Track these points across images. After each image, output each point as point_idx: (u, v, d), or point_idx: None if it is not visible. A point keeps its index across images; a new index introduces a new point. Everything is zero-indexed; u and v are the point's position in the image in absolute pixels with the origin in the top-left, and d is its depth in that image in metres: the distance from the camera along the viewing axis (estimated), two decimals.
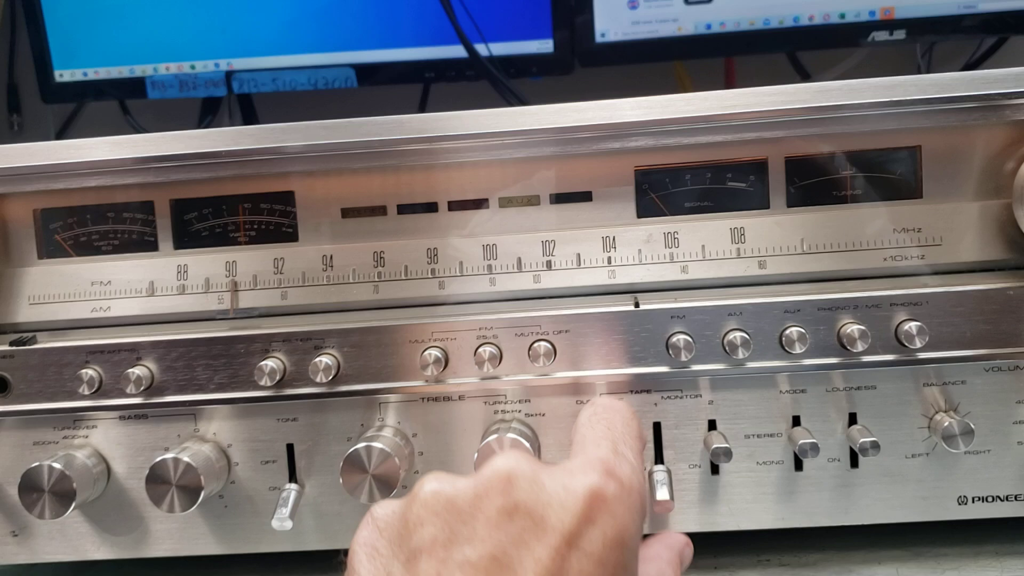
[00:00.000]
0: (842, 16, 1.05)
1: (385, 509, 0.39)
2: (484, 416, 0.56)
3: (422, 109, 1.20)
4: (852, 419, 0.55)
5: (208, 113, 1.25)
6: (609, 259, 0.57)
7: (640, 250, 0.57)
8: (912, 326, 0.53)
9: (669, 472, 0.54)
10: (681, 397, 0.56)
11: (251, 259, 0.59)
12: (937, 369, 0.54)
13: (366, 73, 1.12)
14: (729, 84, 1.19)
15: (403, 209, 0.58)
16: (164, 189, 0.59)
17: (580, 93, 1.22)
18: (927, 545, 0.57)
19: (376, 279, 0.58)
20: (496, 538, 0.35)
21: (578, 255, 0.57)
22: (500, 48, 1.10)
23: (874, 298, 0.54)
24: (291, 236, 0.59)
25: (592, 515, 0.36)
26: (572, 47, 1.09)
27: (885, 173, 0.56)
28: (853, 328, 0.53)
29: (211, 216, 0.59)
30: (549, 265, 0.57)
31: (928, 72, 1.16)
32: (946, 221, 0.56)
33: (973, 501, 0.55)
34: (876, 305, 0.54)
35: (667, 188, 0.58)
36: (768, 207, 0.57)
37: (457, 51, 1.07)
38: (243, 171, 0.57)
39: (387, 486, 0.53)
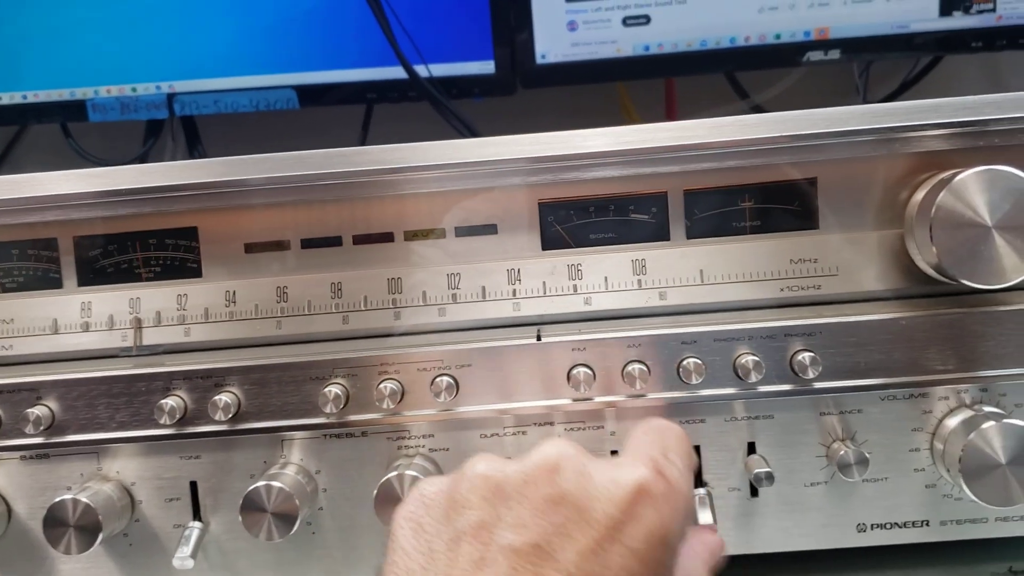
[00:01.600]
0: (778, 37, 1.07)
1: (433, 487, 0.40)
2: (388, 452, 0.56)
3: (365, 130, 1.21)
4: (751, 448, 0.56)
5: (152, 135, 1.25)
6: (514, 291, 0.58)
7: (545, 282, 0.58)
8: (805, 356, 0.54)
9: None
10: (584, 428, 0.56)
11: (155, 296, 0.58)
12: (833, 398, 0.55)
13: (308, 94, 1.12)
14: (670, 104, 1.20)
15: (307, 244, 0.58)
16: (68, 226, 0.59)
17: (523, 114, 1.23)
18: (829, 572, 0.58)
19: (279, 314, 0.58)
20: (540, 526, 0.36)
21: (483, 288, 0.58)
22: (442, 69, 1.10)
23: (768, 329, 0.54)
24: (195, 272, 0.59)
25: (637, 510, 0.37)
26: (513, 68, 1.10)
27: (782, 205, 0.57)
28: (748, 359, 0.54)
29: (116, 252, 0.59)
30: (454, 298, 0.58)
31: (865, 91, 1.17)
32: (842, 251, 0.56)
33: (873, 528, 0.56)
34: (770, 336, 0.54)
35: (571, 220, 0.58)
36: (668, 239, 0.58)
37: (399, 72, 1.07)
38: (143, 209, 0.57)
39: (287, 523, 0.53)
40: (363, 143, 1.21)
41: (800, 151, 0.55)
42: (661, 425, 0.44)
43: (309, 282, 0.58)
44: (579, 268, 0.57)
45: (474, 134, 1.07)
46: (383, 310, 0.57)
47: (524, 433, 0.56)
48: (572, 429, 0.56)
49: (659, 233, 0.58)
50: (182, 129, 1.25)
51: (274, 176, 0.55)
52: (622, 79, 1.16)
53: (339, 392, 0.55)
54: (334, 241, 0.58)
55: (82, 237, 0.59)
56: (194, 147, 1.25)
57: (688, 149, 0.55)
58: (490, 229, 0.58)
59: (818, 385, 0.54)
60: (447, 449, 0.56)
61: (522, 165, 0.56)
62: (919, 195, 0.53)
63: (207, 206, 0.57)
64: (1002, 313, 0.54)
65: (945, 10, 1.05)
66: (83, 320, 0.58)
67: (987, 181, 0.51)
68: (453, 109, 1.08)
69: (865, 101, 1.17)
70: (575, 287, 0.57)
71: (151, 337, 0.58)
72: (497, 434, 0.56)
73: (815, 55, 1.07)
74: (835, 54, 1.06)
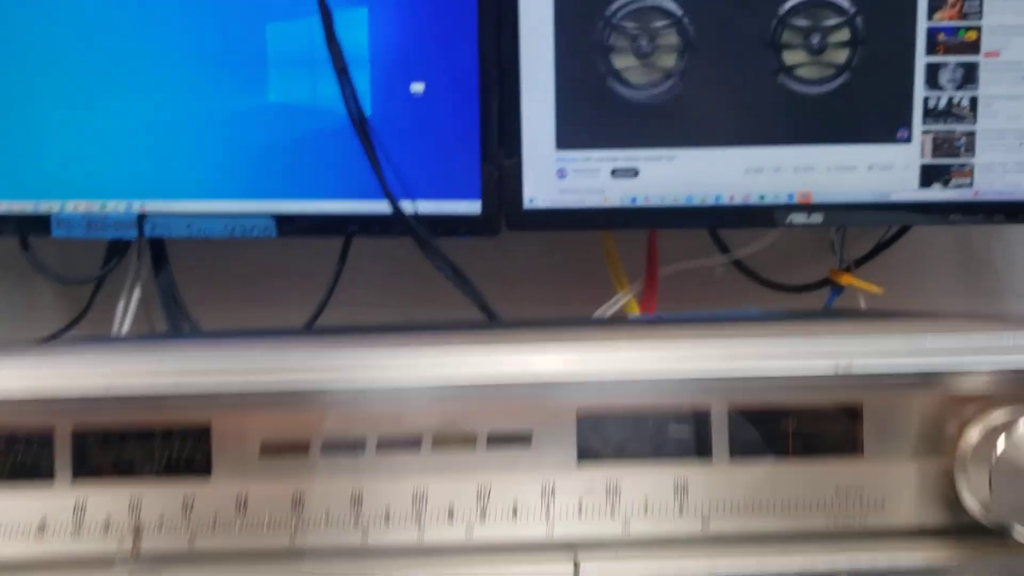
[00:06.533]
0: (762, 198, 1.08)
1: None
2: None
3: (342, 261, 1.17)
4: None
5: (116, 253, 1.19)
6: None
7: (581, 499, 0.55)
8: None
9: None
10: None
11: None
12: None
13: (287, 224, 1.08)
14: (651, 254, 1.20)
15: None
16: None
17: (506, 254, 1.21)
18: None
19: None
20: None
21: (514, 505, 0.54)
22: (427, 206, 1.08)
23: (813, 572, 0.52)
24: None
25: None
26: (500, 209, 1.09)
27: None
28: None
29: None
30: (484, 514, 0.54)
31: (841, 251, 1.20)
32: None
33: None
34: None
35: (611, 431, 0.55)
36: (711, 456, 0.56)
37: (382, 206, 1.05)
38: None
39: None
40: (338, 276, 1.17)
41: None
42: None
43: (327, 492, 0.54)
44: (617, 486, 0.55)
45: (457, 274, 1.05)
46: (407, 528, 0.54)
47: None
48: None
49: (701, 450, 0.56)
50: (149, 248, 1.19)
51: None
52: (607, 228, 1.16)
53: None
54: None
55: None
56: (161, 268, 1.19)
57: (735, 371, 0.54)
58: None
59: None
60: None
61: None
62: (972, 433, 0.53)
63: None
64: None
65: (925, 182, 1.08)
66: None
67: None
68: (438, 248, 1.06)
69: (841, 261, 1.20)
70: (612, 508, 0.55)
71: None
72: None
73: (798, 217, 1.08)
74: (817, 218, 1.08)
